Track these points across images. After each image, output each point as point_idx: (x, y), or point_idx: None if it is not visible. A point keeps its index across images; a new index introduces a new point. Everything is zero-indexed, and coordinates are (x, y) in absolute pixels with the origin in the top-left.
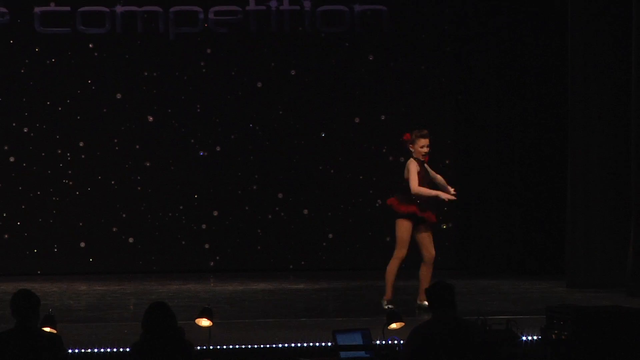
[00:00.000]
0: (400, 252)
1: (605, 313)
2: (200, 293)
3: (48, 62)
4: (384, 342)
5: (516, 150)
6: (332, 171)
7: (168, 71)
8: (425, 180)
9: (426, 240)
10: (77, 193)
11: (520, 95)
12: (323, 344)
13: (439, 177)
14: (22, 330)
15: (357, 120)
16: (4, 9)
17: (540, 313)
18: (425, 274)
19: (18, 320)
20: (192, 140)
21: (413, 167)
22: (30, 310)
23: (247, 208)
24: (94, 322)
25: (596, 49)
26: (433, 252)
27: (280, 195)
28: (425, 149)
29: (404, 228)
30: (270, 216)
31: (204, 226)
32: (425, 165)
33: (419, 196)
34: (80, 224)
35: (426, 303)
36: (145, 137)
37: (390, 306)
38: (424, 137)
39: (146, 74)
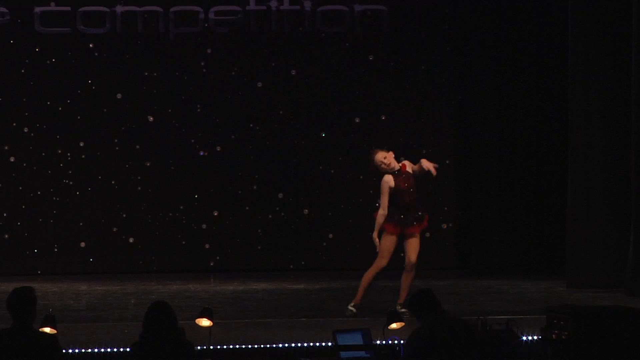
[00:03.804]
0: (380, 262)
1: (605, 313)
2: (200, 293)
3: (48, 62)
4: (384, 342)
5: (516, 150)
6: (332, 171)
7: (168, 71)
8: (406, 190)
9: (409, 247)
10: (77, 193)
11: (520, 96)
12: (323, 344)
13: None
14: (18, 329)
15: (357, 120)
16: (4, 9)
17: (540, 313)
18: (404, 281)
19: (14, 319)
20: (192, 140)
21: (384, 187)
22: (23, 309)
23: (247, 208)
24: (94, 322)
25: (596, 48)
26: (413, 259)
27: (280, 195)
28: (388, 160)
29: (387, 239)
30: (270, 216)
31: (204, 226)
32: (407, 170)
33: (403, 208)
34: (80, 224)
35: (403, 310)
36: (145, 137)
37: (353, 309)
38: (376, 154)
39: (146, 74)
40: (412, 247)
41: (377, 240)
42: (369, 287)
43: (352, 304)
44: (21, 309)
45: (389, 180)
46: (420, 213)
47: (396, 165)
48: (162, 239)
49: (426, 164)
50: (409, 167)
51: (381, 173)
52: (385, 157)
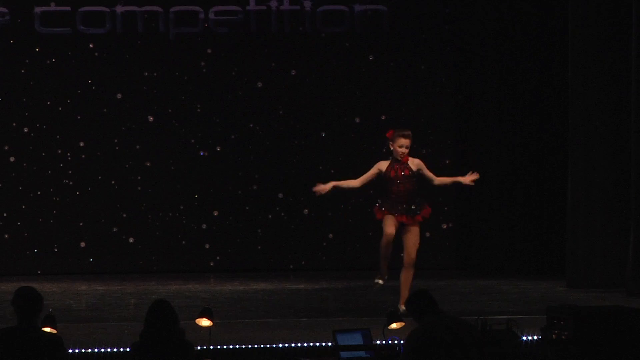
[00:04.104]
0: (385, 232)
1: (605, 313)
2: (200, 293)
3: (48, 62)
4: (384, 342)
5: (516, 150)
6: (332, 171)
7: (168, 71)
8: (394, 180)
9: (408, 242)
10: (77, 193)
11: (520, 95)
12: (323, 344)
13: (439, 179)
14: (23, 328)
15: (357, 120)
16: (4, 9)
17: (540, 313)
18: (404, 278)
19: (20, 318)
20: (192, 140)
21: (374, 166)
22: (32, 308)
23: (247, 208)
24: (94, 322)
25: (596, 48)
26: (412, 255)
27: (280, 195)
28: (404, 149)
29: (384, 219)
30: (270, 216)
31: (204, 226)
32: (409, 164)
33: (392, 196)
34: (80, 224)
35: (404, 308)
36: (145, 137)
37: (379, 281)
38: (404, 137)
39: (146, 74)
40: (411, 242)
41: (324, 186)
42: (387, 257)
43: (377, 277)
44: (29, 308)
45: (381, 164)
46: (413, 207)
47: (404, 159)
48: (162, 239)
49: (465, 180)
50: (414, 163)
51: (388, 150)
52: (407, 148)
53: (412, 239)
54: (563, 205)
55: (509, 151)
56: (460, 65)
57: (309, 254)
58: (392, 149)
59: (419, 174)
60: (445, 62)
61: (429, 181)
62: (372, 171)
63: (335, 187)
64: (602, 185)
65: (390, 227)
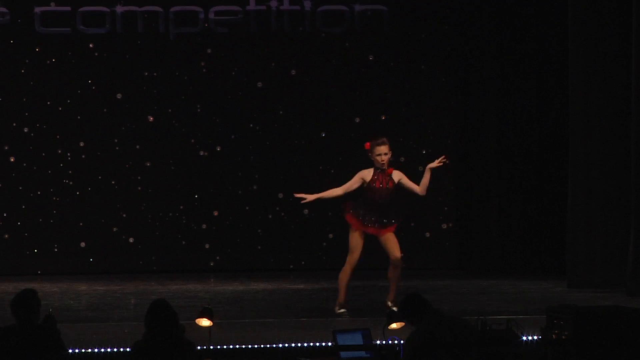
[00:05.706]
0: (350, 258)
1: (605, 313)
2: (200, 293)
3: (48, 62)
4: (384, 342)
5: (516, 150)
6: (332, 171)
7: (168, 71)
8: (377, 190)
9: (390, 245)
10: (77, 193)
11: (520, 96)
12: (323, 344)
13: (419, 187)
14: (21, 326)
15: (357, 120)
16: (4, 9)
17: (540, 313)
18: (391, 277)
19: (17, 319)
20: (192, 140)
21: (357, 175)
22: (25, 309)
23: (247, 208)
24: (94, 322)
25: (596, 48)
26: (398, 254)
27: (280, 195)
28: (383, 157)
29: (352, 236)
30: (270, 216)
31: (204, 226)
32: (393, 175)
33: (369, 204)
34: (80, 224)
35: (394, 308)
36: (145, 137)
37: (342, 310)
38: (379, 144)
39: (146, 74)
40: (392, 243)
41: (307, 196)
42: (346, 285)
43: (337, 306)
44: (21, 308)
45: (365, 174)
46: (385, 220)
47: (385, 166)
48: (162, 239)
49: (434, 164)
50: (396, 175)
51: (369, 159)
52: (386, 154)
53: (391, 242)
54: (563, 206)
55: (509, 151)
56: (460, 65)
57: (309, 254)
58: (372, 159)
59: (400, 185)
60: (445, 62)
61: (412, 193)
62: (356, 180)
63: (318, 199)
64: (602, 186)
65: (354, 252)
